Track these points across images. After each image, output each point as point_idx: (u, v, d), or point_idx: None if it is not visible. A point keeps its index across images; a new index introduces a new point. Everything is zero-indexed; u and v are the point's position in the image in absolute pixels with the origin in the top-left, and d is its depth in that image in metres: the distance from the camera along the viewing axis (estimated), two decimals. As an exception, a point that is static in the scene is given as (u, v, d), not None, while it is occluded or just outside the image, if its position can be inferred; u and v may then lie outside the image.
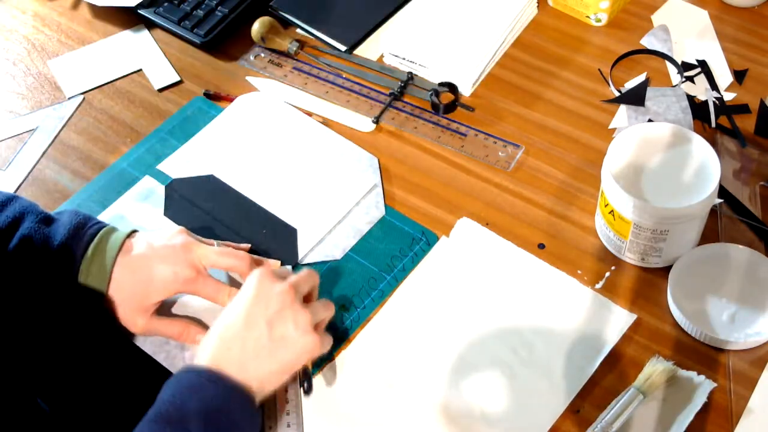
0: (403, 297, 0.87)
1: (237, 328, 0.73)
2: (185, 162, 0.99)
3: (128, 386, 0.81)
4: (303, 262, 0.89)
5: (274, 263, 0.88)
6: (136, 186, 0.98)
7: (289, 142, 1.00)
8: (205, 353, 0.73)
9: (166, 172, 0.98)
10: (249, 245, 0.90)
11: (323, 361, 0.82)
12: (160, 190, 0.97)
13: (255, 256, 0.86)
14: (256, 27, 1.09)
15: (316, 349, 0.75)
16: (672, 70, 1.05)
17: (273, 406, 0.78)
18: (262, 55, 1.11)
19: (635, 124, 0.95)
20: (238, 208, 0.95)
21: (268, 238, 0.91)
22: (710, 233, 0.88)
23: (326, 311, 0.79)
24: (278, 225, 0.93)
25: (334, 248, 0.91)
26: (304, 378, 0.79)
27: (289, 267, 0.88)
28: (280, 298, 0.74)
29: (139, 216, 0.95)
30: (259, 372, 0.72)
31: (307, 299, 0.79)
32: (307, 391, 0.79)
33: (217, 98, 1.06)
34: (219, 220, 0.93)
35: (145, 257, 0.80)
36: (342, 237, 0.91)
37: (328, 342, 0.78)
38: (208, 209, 0.95)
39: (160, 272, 0.79)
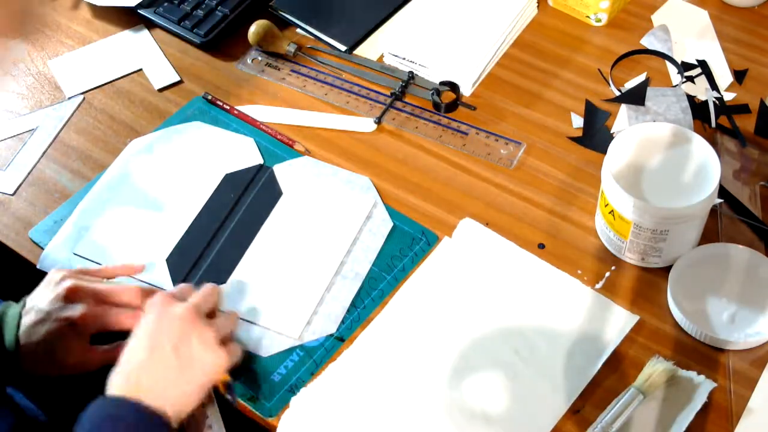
0: (405, 297, 0.87)
1: (143, 356, 0.73)
2: None
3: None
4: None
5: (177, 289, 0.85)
6: None
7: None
8: (117, 385, 0.72)
9: None
10: (143, 265, 0.89)
11: (319, 366, 0.83)
12: None
13: (146, 287, 0.85)
14: (252, 36, 1.09)
15: (224, 363, 0.76)
16: (672, 70, 1.05)
17: (194, 423, 0.77)
18: (259, 58, 1.11)
19: (635, 124, 0.95)
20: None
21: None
22: (710, 233, 0.88)
23: (230, 324, 0.80)
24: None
25: (357, 270, 0.89)
26: (227, 391, 0.78)
27: (191, 284, 0.84)
28: (181, 319, 0.75)
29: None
30: (172, 396, 0.72)
31: (210, 315, 0.80)
32: (233, 402, 0.78)
33: (215, 103, 1.06)
34: None
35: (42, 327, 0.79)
36: (359, 260, 0.90)
37: (236, 353, 0.78)
38: None
39: (59, 333, 0.79)
